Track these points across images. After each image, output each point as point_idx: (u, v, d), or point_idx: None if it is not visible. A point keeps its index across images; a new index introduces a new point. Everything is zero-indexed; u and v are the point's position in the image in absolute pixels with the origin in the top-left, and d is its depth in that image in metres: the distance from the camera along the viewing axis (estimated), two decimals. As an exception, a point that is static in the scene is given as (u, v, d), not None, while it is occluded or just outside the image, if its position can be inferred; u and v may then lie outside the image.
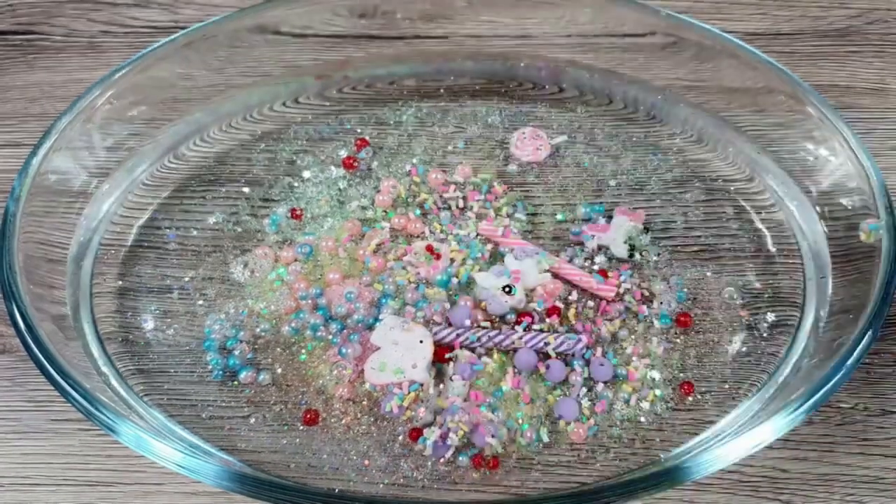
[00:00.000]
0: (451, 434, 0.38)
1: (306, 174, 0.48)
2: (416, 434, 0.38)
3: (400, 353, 0.39)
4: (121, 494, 0.38)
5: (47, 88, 0.54)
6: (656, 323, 0.42)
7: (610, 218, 0.45)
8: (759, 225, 0.46)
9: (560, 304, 0.42)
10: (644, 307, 0.42)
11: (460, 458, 0.38)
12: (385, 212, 0.46)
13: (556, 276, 0.43)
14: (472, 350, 0.40)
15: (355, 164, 0.48)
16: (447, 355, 0.40)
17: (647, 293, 0.43)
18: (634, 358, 0.41)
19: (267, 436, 0.39)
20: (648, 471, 0.37)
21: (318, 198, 0.46)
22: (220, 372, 0.40)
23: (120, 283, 0.43)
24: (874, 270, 0.38)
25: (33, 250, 0.41)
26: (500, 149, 0.49)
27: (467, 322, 0.41)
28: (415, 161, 0.48)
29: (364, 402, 0.39)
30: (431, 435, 0.38)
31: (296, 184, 0.47)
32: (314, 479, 0.37)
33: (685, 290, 0.43)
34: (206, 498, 0.38)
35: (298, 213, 0.46)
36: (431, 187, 0.47)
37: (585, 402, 0.39)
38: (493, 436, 0.38)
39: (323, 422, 0.39)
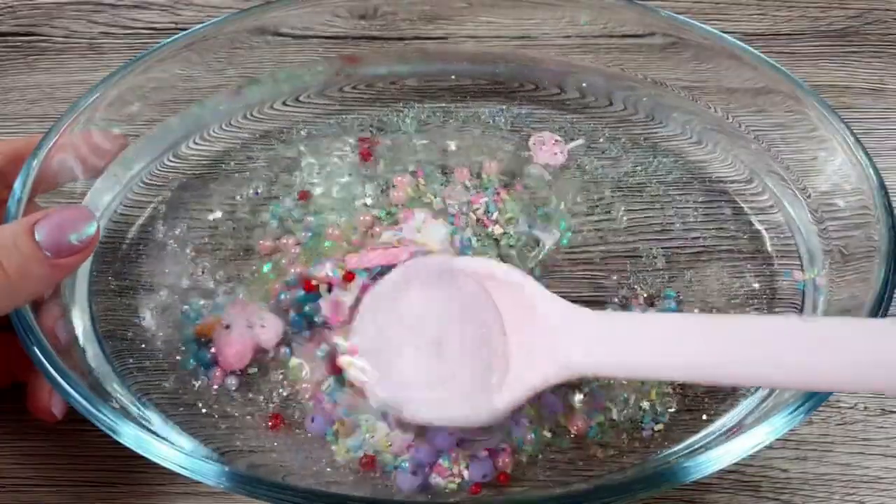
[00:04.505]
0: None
1: (308, 173, 0.48)
2: (369, 464, 0.38)
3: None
4: (121, 495, 0.38)
5: (48, 90, 0.54)
6: None
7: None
8: (758, 226, 0.46)
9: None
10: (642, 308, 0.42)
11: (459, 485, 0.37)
12: (389, 213, 0.46)
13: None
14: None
15: (370, 157, 0.48)
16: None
17: (646, 295, 0.43)
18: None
19: (267, 435, 0.39)
20: (648, 471, 0.37)
21: (320, 198, 0.47)
22: (194, 362, 0.40)
23: (119, 281, 0.43)
24: (874, 270, 0.38)
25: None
26: (503, 151, 0.49)
27: None
28: (419, 160, 0.48)
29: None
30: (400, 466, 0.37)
31: (297, 182, 0.47)
32: (314, 479, 0.37)
33: (680, 292, 0.43)
34: (207, 498, 0.38)
35: (307, 194, 0.46)
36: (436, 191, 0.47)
37: (580, 398, 0.39)
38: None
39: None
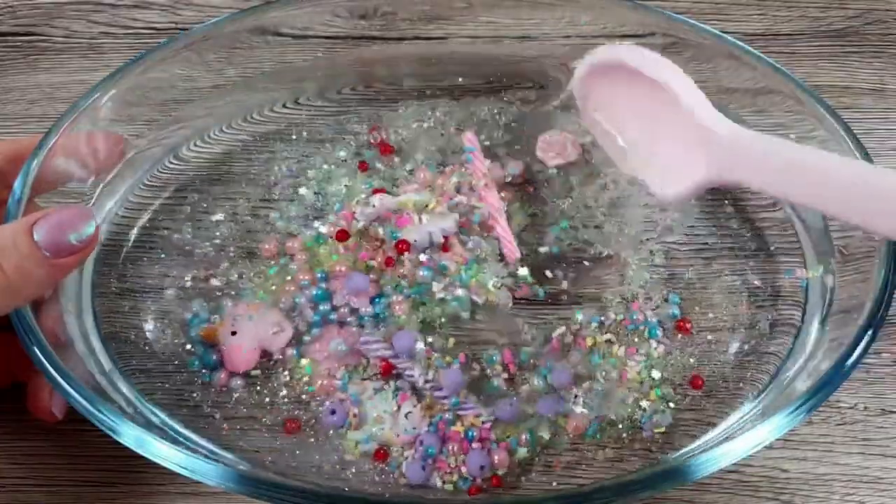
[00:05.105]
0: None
1: (310, 173, 0.48)
2: (382, 455, 0.38)
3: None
4: (121, 495, 0.38)
5: (48, 90, 0.54)
6: (646, 333, 0.42)
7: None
8: (760, 224, 0.46)
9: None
10: (642, 314, 0.42)
11: (459, 484, 0.38)
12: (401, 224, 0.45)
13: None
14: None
15: (390, 150, 0.48)
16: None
17: (648, 293, 0.43)
18: (631, 359, 0.41)
19: (267, 436, 0.39)
20: (648, 471, 0.37)
21: (323, 195, 0.47)
22: (198, 363, 0.41)
23: (121, 283, 0.43)
24: (874, 270, 0.38)
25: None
26: (503, 149, 0.49)
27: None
28: (419, 160, 0.48)
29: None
30: (406, 458, 0.38)
31: (298, 182, 0.47)
32: (315, 479, 0.37)
33: (681, 292, 0.43)
34: (207, 498, 0.38)
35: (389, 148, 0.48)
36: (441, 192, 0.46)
37: (581, 401, 0.39)
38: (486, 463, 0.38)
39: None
